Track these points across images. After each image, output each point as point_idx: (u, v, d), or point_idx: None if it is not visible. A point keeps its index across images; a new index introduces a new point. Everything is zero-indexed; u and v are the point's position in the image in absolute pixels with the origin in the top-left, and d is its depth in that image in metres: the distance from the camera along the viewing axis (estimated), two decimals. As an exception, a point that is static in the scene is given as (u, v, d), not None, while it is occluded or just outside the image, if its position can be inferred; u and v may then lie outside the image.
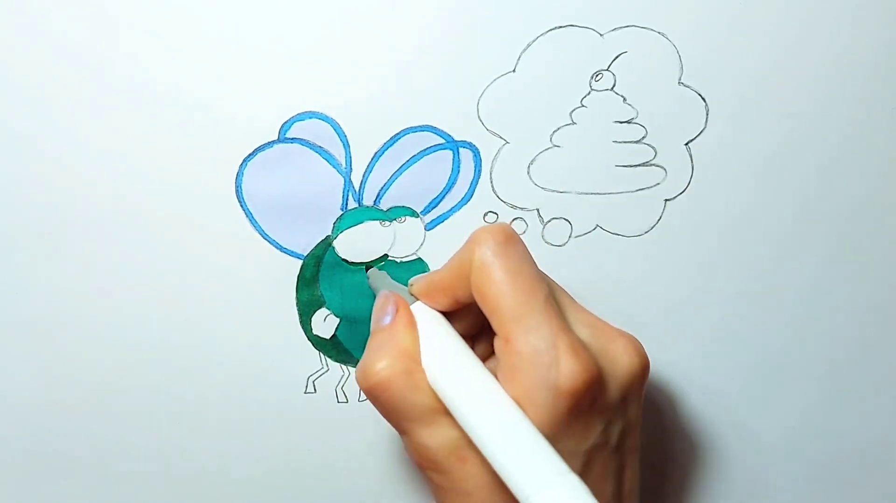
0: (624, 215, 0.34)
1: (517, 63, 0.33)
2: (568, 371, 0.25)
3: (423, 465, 0.28)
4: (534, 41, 0.33)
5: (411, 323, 0.29)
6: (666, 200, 0.35)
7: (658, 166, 0.34)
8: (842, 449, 0.38)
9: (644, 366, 0.28)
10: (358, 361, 0.35)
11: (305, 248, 0.34)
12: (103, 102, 0.32)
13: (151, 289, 0.34)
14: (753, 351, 0.36)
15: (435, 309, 0.30)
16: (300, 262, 0.34)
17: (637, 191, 0.34)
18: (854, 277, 0.36)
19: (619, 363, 0.27)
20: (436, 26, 0.32)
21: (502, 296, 0.27)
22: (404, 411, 0.27)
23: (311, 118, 0.33)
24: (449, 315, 0.30)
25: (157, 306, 0.34)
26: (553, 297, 0.27)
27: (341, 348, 0.35)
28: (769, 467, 0.38)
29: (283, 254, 0.34)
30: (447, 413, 0.27)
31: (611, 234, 0.35)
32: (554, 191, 0.34)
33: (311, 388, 0.35)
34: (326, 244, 0.34)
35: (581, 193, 0.34)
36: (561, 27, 0.32)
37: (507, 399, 0.26)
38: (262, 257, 0.34)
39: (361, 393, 0.35)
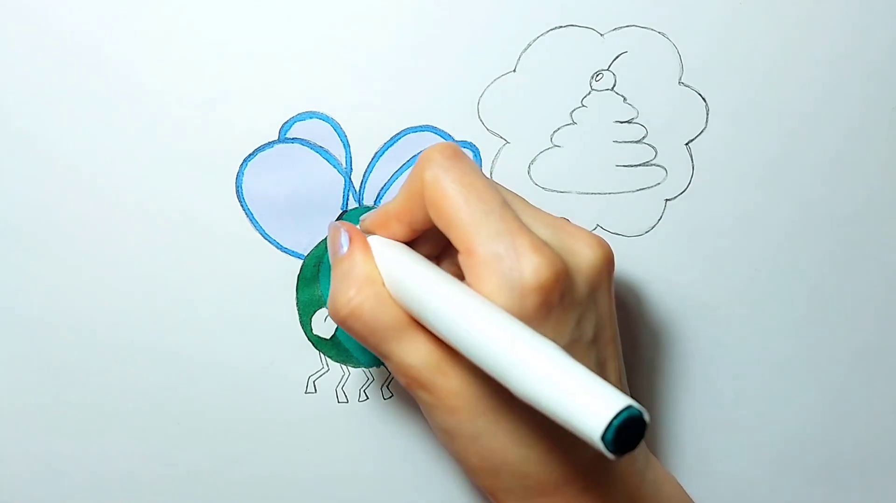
0: (624, 215, 0.34)
1: (517, 63, 0.33)
2: (531, 268, 0.25)
3: (409, 385, 0.28)
4: (534, 41, 0.33)
5: (367, 247, 0.29)
6: (666, 200, 0.35)
7: (658, 166, 0.34)
8: (842, 450, 0.38)
9: (608, 257, 0.28)
10: (358, 362, 0.35)
11: (306, 247, 0.34)
12: (103, 102, 0.32)
13: (151, 289, 0.34)
14: (754, 351, 0.36)
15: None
16: (300, 262, 0.34)
17: (637, 191, 0.34)
18: (855, 277, 0.36)
19: (583, 256, 0.27)
20: (436, 26, 0.32)
21: (458, 209, 0.26)
22: (381, 334, 0.27)
23: (311, 118, 0.33)
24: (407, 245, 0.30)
25: (157, 306, 0.34)
26: (507, 204, 0.27)
27: (341, 348, 0.35)
28: (769, 467, 0.38)
29: (284, 254, 0.34)
30: (422, 328, 0.27)
31: (611, 234, 0.35)
32: (554, 191, 0.34)
33: (311, 388, 0.35)
34: (327, 244, 0.34)
35: (581, 193, 0.34)
36: (561, 27, 0.32)
37: (476, 296, 0.25)
38: (262, 257, 0.34)
39: (362, 392, 0.35)
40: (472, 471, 0.29)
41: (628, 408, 0.20)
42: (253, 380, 0.35)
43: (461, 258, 0.27)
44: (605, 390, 0.21)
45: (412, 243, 0.30)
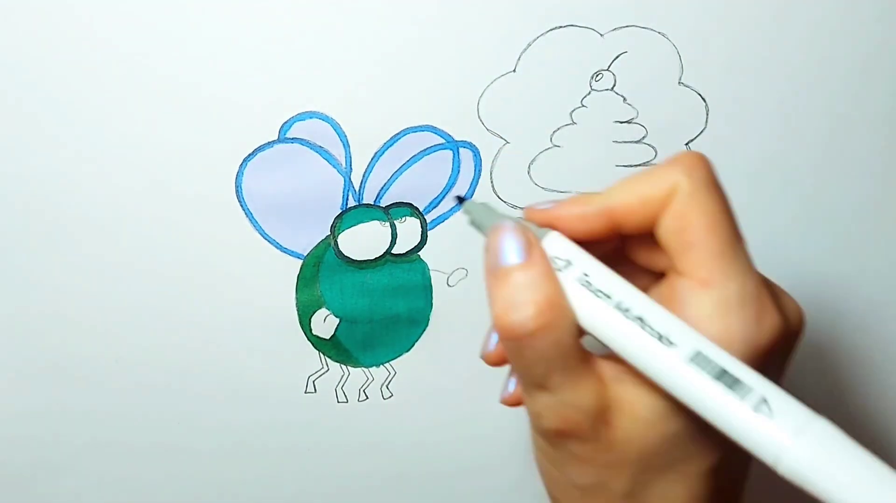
0: (624, 215, 0.34)
1: (517, 63, 0.33)
2: (769, 327, 0.23)
3: (563, 431, 0.24)
4: (534, 41, 0.33)
5: (546, 258, 0.24)
6: (666, 200, 0.35)
7: (658, 166, 0.34)
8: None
9: (804, 326, 0.25)
10: (358, 361, 0.35)
11: (306, 247, 0.34)
12: (103, 102, 0.32)
13: (151, 289, 0.34)
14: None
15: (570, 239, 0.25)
16: (300, 262, 0.34)
17: (637, 191, 0.34)
18: (854, 277, 0.36)
19: (793, 320, 0.24)
20: (436, 26, 0.32)
21: (713, 231, 0.23)
22: (553, 365, 0.23)
23: (311, 118, 0.33)
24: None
25: (157, 306, 0.34)
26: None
27: (341, 348, 0.35)
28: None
29: (284, 254, 0.34)
30: (592, 361, 0.24)
31: (611, 234, 0.35)
32: (554, 190, 0.34)
33: (311, 388, 0.35)
34: (327, 244, 0.34)
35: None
36: (561, 27, 0.32)
37: (699, 335, 0.22)
38: (262, 257, 0.34)
39: (362, 392, 0.35)
40: None
41: None
42: (253, 380, 0.35)
43: (687, 282, 0.23)
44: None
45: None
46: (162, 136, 0.32)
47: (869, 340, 0.37)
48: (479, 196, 0.34)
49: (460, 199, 0.26)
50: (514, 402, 0.26)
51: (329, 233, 0.34)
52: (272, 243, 0.34)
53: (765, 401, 0.21)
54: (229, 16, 0.32)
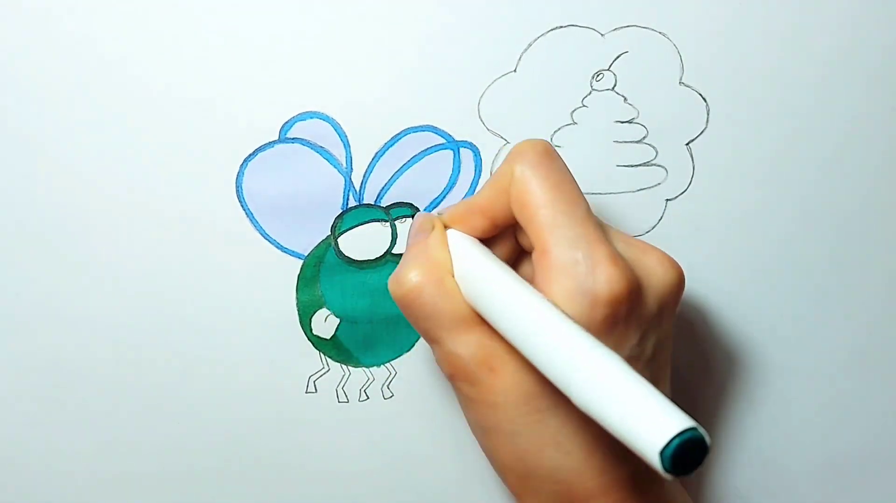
0: (625, 215, 0.34)
1: (518, 63, 0.33)
2: (605, 279, 0.25)
3: (453, 375, 0.28)
4: (534, 41, 0.32)
5: (443, 235, 0.29)
6: (667, 200, 0.35)
7: (659, 166, 0.34)
8: (841, 450, 0.38)
9: (680, 279, 0.28)
10: (358, 361, 0.35)
11: (306, 247, 0.34)
12: (103, 102, 0.32)
13: (151, 289, 0.34)
14: (753, 351, 0.36)
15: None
16: (301, 262, 0.34)
17: (638, 191, 0.34)
18: (855, 277, 0.36)
19: (655, 274, 0.27)
20: (436, 26, 0.32)
21: (542, 206, 0.26)
22: (436, 318, 0.27)
23: (311, 118, 0.33)
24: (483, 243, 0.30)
25: (157, 306, 0.34)
26: (590, 212, 0.27)
27: (342, 348, 0.35)
28: (768, 467, 0.38)
29: (284, 254, 0.34)
30: (478, 322, 0.27)
31: (611, 234, 0.35)
32: (555, 191, 0.34)
33: (311, 388, 0.35)
34: (327, 244, 0.34)
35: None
36: (561, 27, 0.32)
37: (545, 300, 0.25)
38: (262, 257, 0.34)
39: (362, 392, 0.35)
40: (502, 468, 0.29)
41: (692, 429, 0.20)
42: (253, 380, 0.35)
43: (535, 256, 0.27)
44: (670, 409, 0.20)
45: (490, 242, 0.30)
46: (162, 135, 0.32)
47: (869, 340, 0.37)
48: (479, 196, 0.34)
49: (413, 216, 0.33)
50: None
51: (329, 233, 0.34)
52: (272, 243, 0.34)
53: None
54: (230, 16, 0.32)
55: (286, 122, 0.33)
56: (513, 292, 0.26)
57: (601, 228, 0.27)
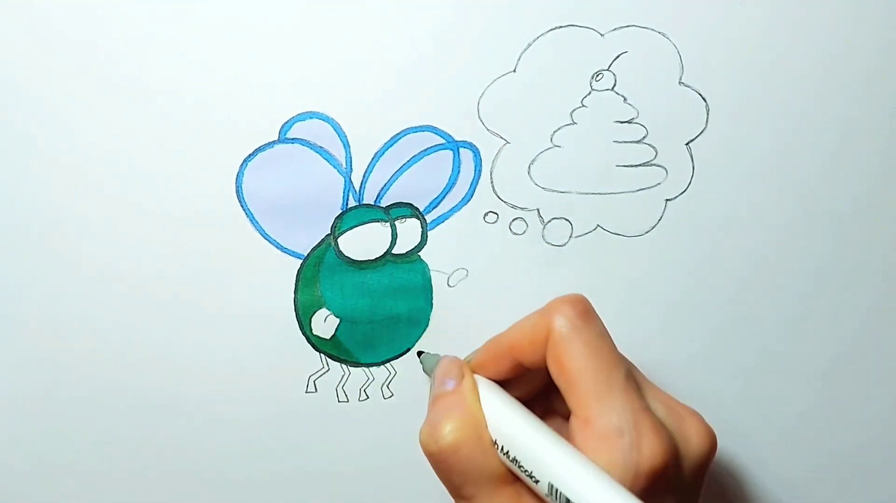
0: (624, 215, 0.34)
1: (517, 63, 0.33)
2: (649, 452, 0.25)
3: None
4: (534, 41, 0.32)
5: (475, 388, 0.29)
6: (667, 200, 0.35)
7: (659, 166, 0.34)
8: (840, 449, 0.38)
9: (714, 446, 0.28)
10: (359, 361, 0.35)
11: (306, 247, 0.34)
12: (103, 102, 0.32)
13: (151, 289, 0.34)
14: (753, 350, 0.36)
15: (490, 377, 0.29)
16: (300, 262, 0.34)
17: (638, 191, 0.34)
18: (854, 276, 0.36)
19: (692, 443, 0.27)
20: (436, 26, 0.32)
21: (583, 372, 0.26)
22: (471, 475, 0.27)
23: (311, 118, 0.33)
24: (502, 384, 0.30)
25: (157, 306, 0.34)
26: (631, 377, 0.27)
27: (342, 348, 0.35)
28: (767, 467, 0.38)
29: (284, 254, 0.34)
30: (513, 480, 0.27)
31: (611, 234, 0.35)
32: (554, 191, 0.34)
33: (311, 388, 0.35)
34: (327, 244, 0.34)
35: (581, 193, 0.34)
36: (561, 27, 0.32)
37: (590, 463, 0.25)
38: (262, 257, 0.34)
39: (362, 392, 0.35)
40: None
41: None
42: (253, 380, 0.35)
43: (574, 421, 0.27)
44: None
45: (508, 381, 0.30)
46: (162, 135, 0.32)
47: (869, 340, 0.37)
48: (479, 196, 0.34)
49: (419, 353, 0.34)
50: None
51: (329, 233, 0.34)
52: (272, 243, 0.34)
53: None
54: (230, 16, 0.32)
55: (286, 123, 0.33)
56: (564, 461, 0.25)
57: (640, 390, 0.27)
